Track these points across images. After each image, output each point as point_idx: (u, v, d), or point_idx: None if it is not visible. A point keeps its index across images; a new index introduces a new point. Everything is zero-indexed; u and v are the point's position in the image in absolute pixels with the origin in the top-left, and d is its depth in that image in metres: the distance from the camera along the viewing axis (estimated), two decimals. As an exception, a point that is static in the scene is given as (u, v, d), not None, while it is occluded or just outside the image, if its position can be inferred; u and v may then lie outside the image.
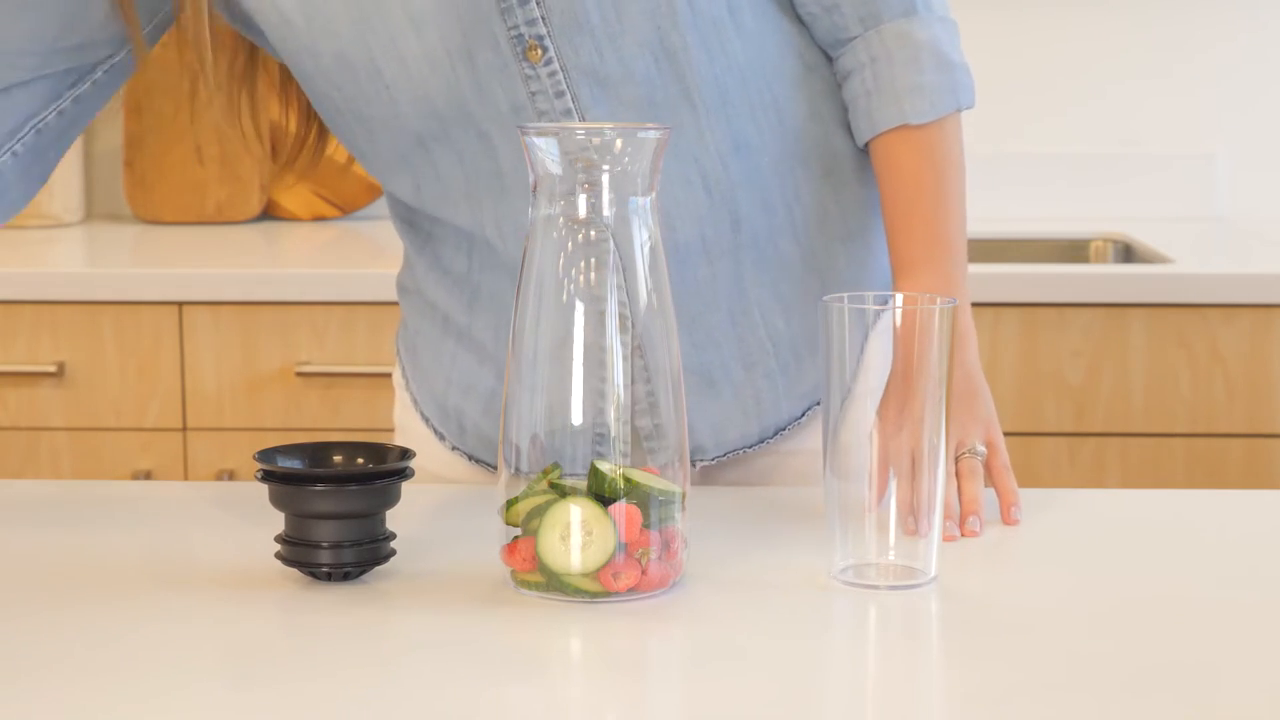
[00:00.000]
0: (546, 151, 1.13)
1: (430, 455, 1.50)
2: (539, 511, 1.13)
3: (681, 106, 1.36)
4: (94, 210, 3.15)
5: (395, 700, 0.99)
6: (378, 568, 1.18)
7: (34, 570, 1.21)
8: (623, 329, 1.13)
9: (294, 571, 1.19)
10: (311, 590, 1.16)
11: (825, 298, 1.15)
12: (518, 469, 1.14)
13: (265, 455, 1.17)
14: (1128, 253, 2.88)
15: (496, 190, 1.38)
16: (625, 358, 1.13)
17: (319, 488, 1.15)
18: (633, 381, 1.15)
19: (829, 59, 1.43)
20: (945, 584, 1.17)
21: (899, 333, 1.14)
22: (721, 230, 1.39)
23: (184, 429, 2.54)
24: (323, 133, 1.48)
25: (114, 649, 1.07)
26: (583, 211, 1.14)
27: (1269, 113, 3.05)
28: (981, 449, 1.35)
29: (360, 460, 1.18)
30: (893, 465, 1.14)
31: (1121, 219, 3.02)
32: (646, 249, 1.14)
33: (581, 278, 1.13)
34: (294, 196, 3.07)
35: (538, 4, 1.32)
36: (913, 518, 1.15)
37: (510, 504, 1.15)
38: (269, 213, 3.10)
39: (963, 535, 1.28)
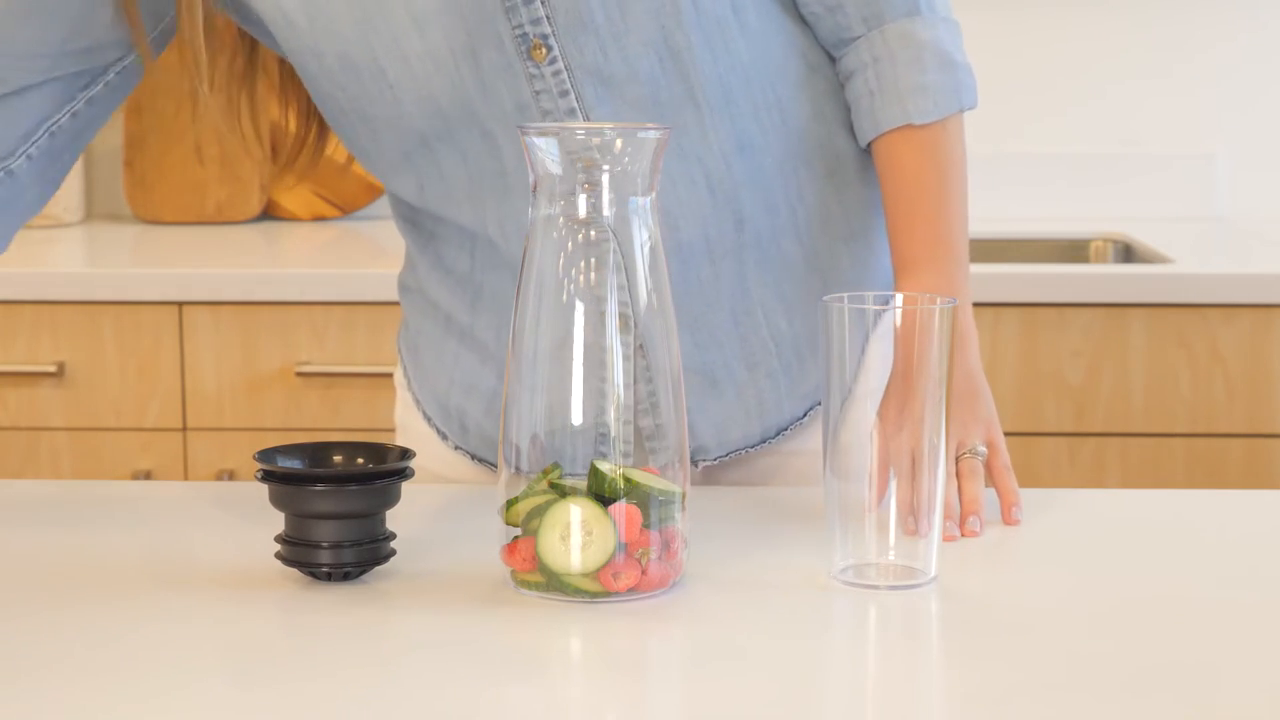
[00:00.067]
0: (546, 151, 1.13)
1: (433, 455, 1.50)
2: (539, 511, 1.13)
3: (686, 106, 1.36)
4: (94, 210, 3.15)
5: (395, 700, 0.98)
6: (378, 568, 1.18)
7: (34, 570, 1.21)
8: (623, 329, 1.13)
9: (294, 571, 1.19)
10: (311, 590, 1.16)
11: (825, 298, 1.15)
12: (518, 469, 1.14)
13: (265, 455, 1.17)
14: (1128, 253, 2.87)
15: (500, 190, 1.38)
16: (626, 358, 1.13)
17: (319, 488, 1.15)
18: (634, 381, 1.15)
19: (832, 59, 1.43)
20: (945, 584, 1.17)
21: (899, 332, 1.14)
22: (725, 230, 1.39)
23: (184, 429, 2.54)
24: (322, 133, 1.48)
25: (114, 649, 1.07)
26: (583, 211, 1.14)
27: (1269, 113, 3.05)
28: (982, 449, 1.35)
29: (360, 460, 1.18)
30: (893, 465, 1.14)
31: (1121, 219, 3.02)
32: (647, 249, 1.14)
33: (582, 278, 1.13)
34: (294, 196, 3.07)
35: (542, 3, 1.32)
36: (913, 518, 1.15)
37: (510, 504, 1.15)
38: (269, 213, 3.10)
39: (963, 535, 1.28)
